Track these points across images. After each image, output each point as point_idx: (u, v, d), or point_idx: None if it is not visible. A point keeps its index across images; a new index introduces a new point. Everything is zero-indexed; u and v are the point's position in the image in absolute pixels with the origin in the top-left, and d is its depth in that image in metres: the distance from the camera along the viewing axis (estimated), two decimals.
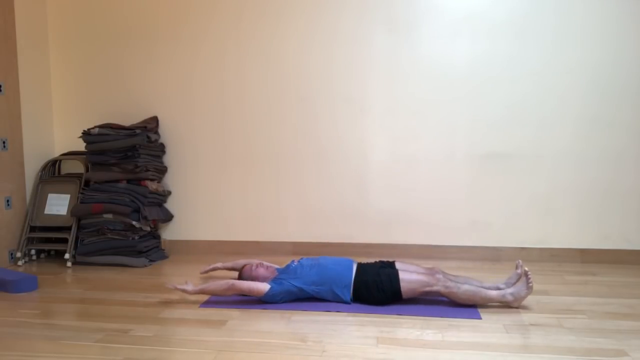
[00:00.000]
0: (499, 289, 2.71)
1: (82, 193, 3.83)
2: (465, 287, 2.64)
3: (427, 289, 2.63)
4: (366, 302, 2.69)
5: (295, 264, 2.85)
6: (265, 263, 2.97)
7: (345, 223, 3.85)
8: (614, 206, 3.57)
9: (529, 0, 3.54)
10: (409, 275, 2.66)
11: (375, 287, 2.66)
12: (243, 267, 2.94)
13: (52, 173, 4.08)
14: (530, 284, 2.62)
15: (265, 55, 3.86)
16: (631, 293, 2.90)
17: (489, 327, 2.39)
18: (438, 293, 2.64)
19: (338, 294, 2.71)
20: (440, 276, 2.65)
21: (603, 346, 2.16)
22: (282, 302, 2.73)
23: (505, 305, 2.64)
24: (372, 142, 3.78)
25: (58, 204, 3.88)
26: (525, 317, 2.53)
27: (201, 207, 4.03)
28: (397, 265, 2.80)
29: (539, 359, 2.05)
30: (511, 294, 2.63)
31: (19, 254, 3.79)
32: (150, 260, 3.77)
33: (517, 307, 2.64)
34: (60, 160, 4.14)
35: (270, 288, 2.70)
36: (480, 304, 2.64)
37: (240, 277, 2.91)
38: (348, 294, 2.72)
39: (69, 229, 3.81)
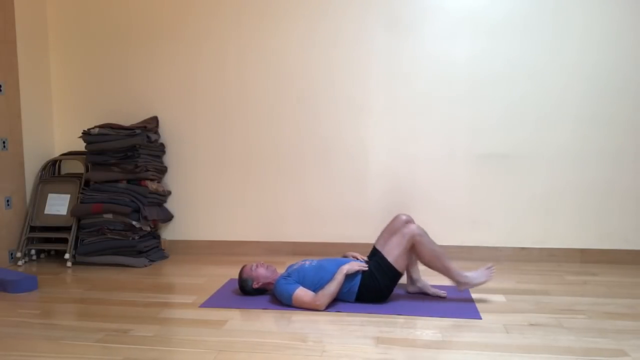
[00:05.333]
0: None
1: (82, 193, 3.83)
2: (435, 247, 2.70)
3: (409, 246, 2.69)
4: (370, 295, 2.72)
5: (298, 266, 2.84)
6: (263, 263, 2.96)
7: (345, 223, 3.85)
8: (614, 206, 3.57)
9: (528, 0, 3.54)
10: (393, 253, 2.71)
11: (370, 279, 2.71)
12: (243, 267, 2.95)
13: (52, 173, 4.08)
14: (491, 273, 2.74)
15: (266, 55, 3.86)
16: (630, 293, 2.91)
17: (489, 327, 2.39)
18: (412, 245, 2.68)
19: (343, 296, 2.76)
20: (413, 227, 2.70)
21: (602, 346, 2.17)
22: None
23: (456, 283, 2.75)
24: (372, 142, 3.78)
25: (58, 204, 3.88)
26: (525, 317, 2.53)
27: (201, 207, 4.03)
28: (378, 248, 2.84)
29: (539, 359, 2.05)
30: (468, 275, 2.73)
31: (19, 254, 3.79)
32: (150, 260, 3.77)
33: (462, 290, 2.77)
34: (60, 160, 4.15)
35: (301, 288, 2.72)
36: (436, 269, 2.72)
37: (240, 277, 2.91)
38: (352, 296, 2.75)
39: (69, 229, 3.81)
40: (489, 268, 2.77)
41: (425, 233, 2.72)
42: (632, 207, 3.55)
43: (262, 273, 2.87)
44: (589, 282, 3.14)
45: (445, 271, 2.72)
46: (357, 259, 2.95)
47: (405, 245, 2.68)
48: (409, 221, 2.82)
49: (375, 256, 2.80)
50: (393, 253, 2.70)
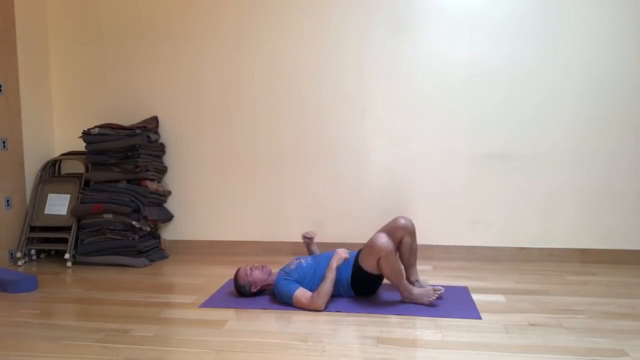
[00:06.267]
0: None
1: (82, 193, 3.83)
2: (397, 266, 2.65)
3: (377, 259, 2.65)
4: (365, 287, 2.77)
5: (295, 265, 2.83)
6: (257, 265, 2.92)
7: (345, 223, 3.85)
8: (614, 206, 3.57)
9: (527, 1, 3.54)
10: (366, 262, 2.69)
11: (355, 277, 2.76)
12: (237, 271, 2.89)
13: (52, 173, 4.08)
14: (432, 299, 2.65)
15: (266, 54, 3.86)
16: (631, 293, 2.91)
17: (489, 327, 2.39)
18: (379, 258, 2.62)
19: (342, 293, 2.79)
20: (383, 241, 2.58)
21: (602, 346, 2.16)
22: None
23: (401, 296, 2.72)
24: (373, 142, 3.78)
25: (58, 204, 3.88)
26: (525, 317, 2.53)
27: (201, 207, 4.03)
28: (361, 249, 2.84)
29: (539, 359, 2.05)
30: (414, 293, 2.69)
31: (19, 254, 3.79)
32: (150, 260, 3.77)
33: (403, 300, 2.72)
34: (60, 160, 4.14)
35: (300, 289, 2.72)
36: (389, 281, 2.69)
37: (236, 283, 2.86)
38: (351, 292, 2.79)
39: (69, 229, 3.81)
40: (435, 289, 2.69)
41: (393, 250, 2.62)
42: (632, 206, 3.55)
43: (258, 277, 2.84)
44: (589, 282, 3.14)
45: (396, 286, 2.71)
46: (308, 238, 3.08)
47: (374, 259, 2.64)
48: (399, 228, 2.78)
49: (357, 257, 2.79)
50: (366, 263, 2.70)
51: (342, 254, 2.71)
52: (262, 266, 2.91)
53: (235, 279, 2.88)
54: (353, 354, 2.12)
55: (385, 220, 3.76)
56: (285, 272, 2.81)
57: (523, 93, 3.60)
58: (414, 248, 2.86)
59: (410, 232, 2.84)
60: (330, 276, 2.66)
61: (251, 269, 2.86)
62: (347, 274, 2.76)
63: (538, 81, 3.58)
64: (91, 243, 3.73)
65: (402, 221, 2.82)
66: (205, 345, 2.23)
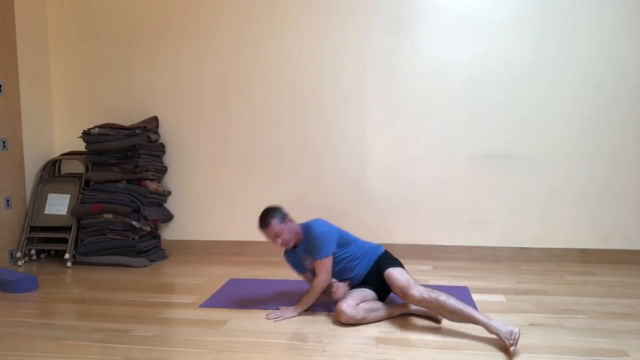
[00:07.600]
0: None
1: (82, 193, 3.83)
2: (452, 301, 2.30)
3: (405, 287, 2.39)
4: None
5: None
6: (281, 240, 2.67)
7: (345, 223, 3.82)
8: (614, 206, 3.57)
9: (528, 1, 3.54)
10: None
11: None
12: (267, 226, 2.68)
13: (52, 173, 4.08)
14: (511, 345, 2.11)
15: (266, 55, 3.86)
16: (631, 293, 2.91)
17: None
18: (413, 299, 2.35)
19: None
20: (343, 319, 2.43)
21: (603, 346, 2.16)
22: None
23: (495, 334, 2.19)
24: (372, 142, 3.78)
25: (58, 204, 3.88)
26: (525, 317, 2.53)
27: (201, 207, 4.03)
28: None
29: (539, 359, 2.05)
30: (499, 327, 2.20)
31: (19, 254, 3.79)
32: (150, 260, 3.77)
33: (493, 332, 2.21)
34: (60, 160, 4.14)
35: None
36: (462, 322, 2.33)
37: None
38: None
39: (69, 229, 3.81)
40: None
41: (359, 320, 2.43)
42: (632, 206, 3.55)
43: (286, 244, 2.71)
44: (589, 282, 3.14)
45: (474, 322, 2.29)
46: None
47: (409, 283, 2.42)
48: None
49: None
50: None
51: (342, 294, 2.55)
52: (284, 239, 2.72)
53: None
54: (353, 354, 2.12)
55: (384, 220, 3.77)
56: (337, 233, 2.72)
57: (523, 93, 3.60)
58: None
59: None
60: (320, 298, 2.59)
61: (278, 244, 2.70)
62: (360, 275, 2.67)
63: (538, 81, 3.57)
64: (91, 243, 3.73)
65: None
66: (205, 345, 2.23)
